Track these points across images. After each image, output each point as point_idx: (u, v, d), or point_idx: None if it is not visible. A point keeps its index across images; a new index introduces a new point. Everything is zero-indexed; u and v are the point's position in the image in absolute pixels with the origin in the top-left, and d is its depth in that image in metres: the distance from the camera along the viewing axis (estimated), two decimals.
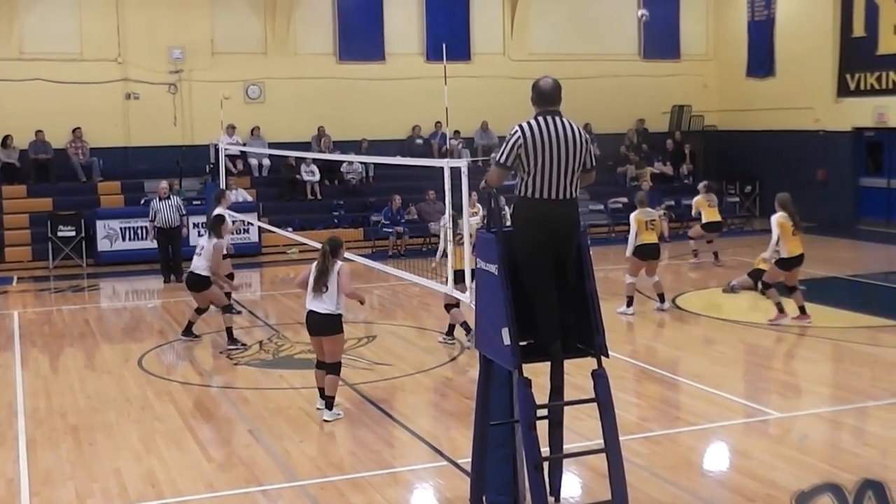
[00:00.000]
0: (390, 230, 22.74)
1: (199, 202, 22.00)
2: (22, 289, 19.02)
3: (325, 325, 10.10)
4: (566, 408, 7.40)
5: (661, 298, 15.39)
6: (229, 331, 13.55)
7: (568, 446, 7.37)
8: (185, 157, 24.45)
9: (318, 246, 14.31)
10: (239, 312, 15.69)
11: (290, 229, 20.11)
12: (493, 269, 6.90)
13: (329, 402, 10.18)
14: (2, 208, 22.64)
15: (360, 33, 26.34)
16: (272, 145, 24.51)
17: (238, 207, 20.47)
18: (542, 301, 6.84)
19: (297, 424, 10.18)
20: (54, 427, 10.10)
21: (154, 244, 19.59)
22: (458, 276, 10.35)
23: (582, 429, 8.73)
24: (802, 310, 14.12)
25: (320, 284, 10.01)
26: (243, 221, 21.34)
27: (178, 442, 9.59)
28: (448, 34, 25.11)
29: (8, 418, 10.36)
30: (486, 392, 7.33)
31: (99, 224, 21.64)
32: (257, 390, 11.43)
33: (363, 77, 26.03)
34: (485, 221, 7.88)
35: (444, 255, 12.90)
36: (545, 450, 6.95)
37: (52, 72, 23.92)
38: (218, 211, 14.91)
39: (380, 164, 23.94)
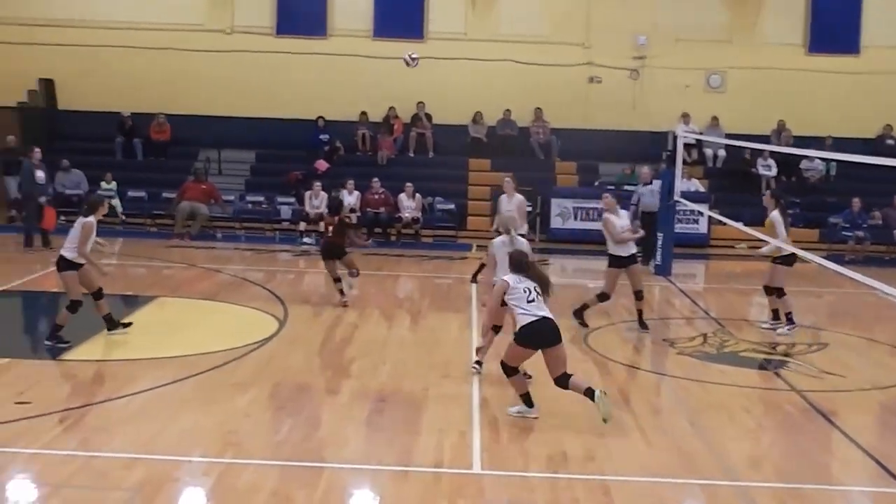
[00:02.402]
0: (849, 234, 21.57)
1: None
2: (478, 256, 20.17)
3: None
4: None
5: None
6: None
7: None
8: (641, 143, 24.74)
9: (777, 243, 13.97)
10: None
11: (741, 223, 19.64)
12: None
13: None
14: (468, 179, 24.24)
15: (834, 24, 25.11)
16: (729, 136, 24.06)
17: (689, 197, 20.36)
18: None
19: (737, 423, 9.96)
20: (505, 390, 10.61)
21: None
22: None
23: None
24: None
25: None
26: (692, 211, 21.24)
27: (618, 421, 9.72)
28: None
29: (464, 376, 11.05)
30: None
31: (553, 202, 22.49)
32: (699, 382, 11.31)
33: (832, 70, 24.85)
34: None
35: None
36: None
37: (522, 54, 25.17)
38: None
39: (844, 163, 22.73)
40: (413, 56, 18.83)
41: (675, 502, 7.87)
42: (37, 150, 19.54)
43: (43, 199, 19.16)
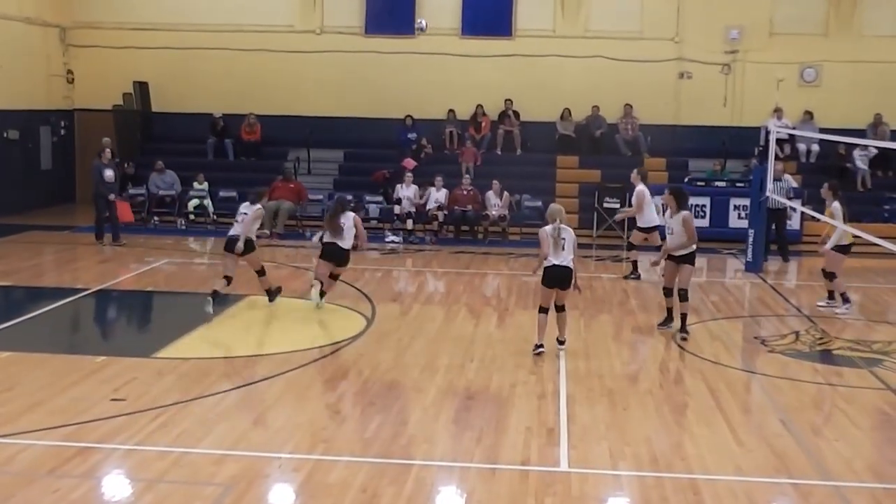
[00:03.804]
0: None
1: (742, 185, 21.80)
2: None
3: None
4: None
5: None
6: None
7: None
8: (732, 139, 24.36)
9: (869, 238, 13.64)
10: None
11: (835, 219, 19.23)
12: None
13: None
14: (556, 177, 24.13)
15: None
16: (823, 130, 23.55)
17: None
18: None
19: (832, 421, 9.79)
20: (592, 387, 10.60)
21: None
22: None
23: None
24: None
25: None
26: (786, 208, 20.81)
27: (708, 420, 9.62)
28: None
29: (552, 374, 11.06)
30: None
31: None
32: (791, 381, 11.11)
33: None
34: None
35: None
36: None
37: (612, 49, 24.98)
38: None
39: None
40: (422, 25, 19.89)
41: (767, 502, 7.75)
42: (107, 150, 19.96)
43: (112, 197, 19.69)
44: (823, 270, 15.11)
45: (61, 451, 8.27)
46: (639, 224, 17.41)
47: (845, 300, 14.83)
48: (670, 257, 13.15)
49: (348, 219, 14.04)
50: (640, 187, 17.23)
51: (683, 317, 13.03)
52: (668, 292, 13.36)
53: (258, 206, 14.04)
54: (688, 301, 13.10)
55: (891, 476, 8.29)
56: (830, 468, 8.39)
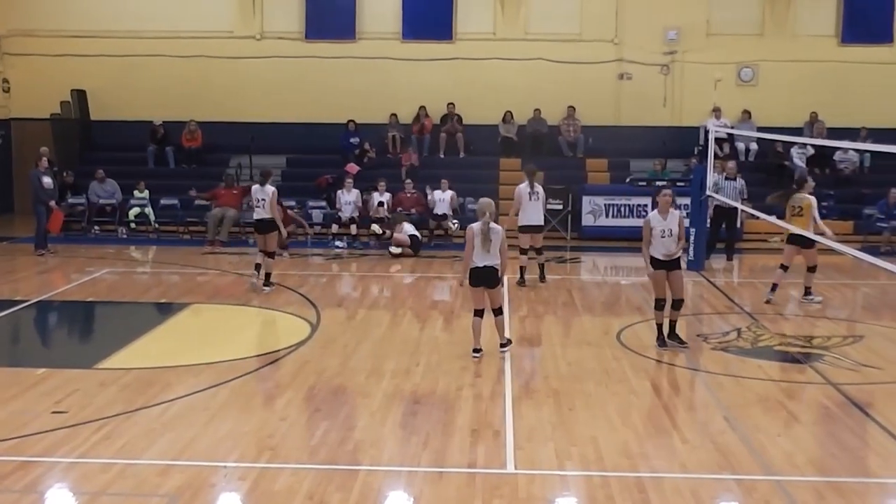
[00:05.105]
0: (885, 225, 21.35)
1: (682, 184, 22.01)
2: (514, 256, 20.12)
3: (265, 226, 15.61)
4: None
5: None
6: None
7: None
8: (672, 139, 24.64)
9: (809, 235, 13.86)
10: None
11: (774, 217, 19.48)
12: None
13: None
14: (499, 179, 24.21)
15: (866, 14, 24.84)
16: (761, 129, 23.87)
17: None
18: None
19: (774, 417, 9.90)
20: (537, 389, 10.65)
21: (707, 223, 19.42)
22: None
23: None
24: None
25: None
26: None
27: (653, 419, 9.72)
28: None
29: (497, 376, 11.09)
30: None
31: (584, 199, 22.43)
32: (734, 377, 11.23)
33: (866, 60, 24.59)
34: None
35: None
36: None
37: (553, 52, 25.15)
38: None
39: (879, 154, 22.53)
40: None
41: (712, 498, 7.83)
42: (44, 158, 19.73)
43: (52, 204, 19.50)
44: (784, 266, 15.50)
45: (1, 466, 8.12)
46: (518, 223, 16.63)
47: (773, 288, 15.37)
48: (661, 264, 12.22)
49: None
50: (522, 185, 16.67)
51: (673, 324, 12.44)
52: (662, 304, 12.35)
53: (269, 186, 15.49)
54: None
55: (832, 469, 8.43)
56: (773, 463, 8.50)
